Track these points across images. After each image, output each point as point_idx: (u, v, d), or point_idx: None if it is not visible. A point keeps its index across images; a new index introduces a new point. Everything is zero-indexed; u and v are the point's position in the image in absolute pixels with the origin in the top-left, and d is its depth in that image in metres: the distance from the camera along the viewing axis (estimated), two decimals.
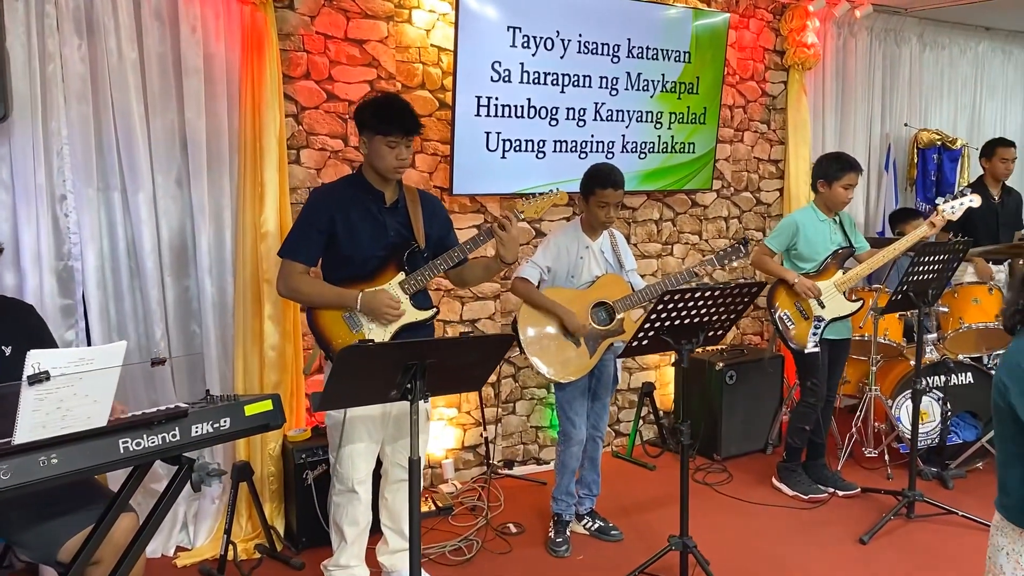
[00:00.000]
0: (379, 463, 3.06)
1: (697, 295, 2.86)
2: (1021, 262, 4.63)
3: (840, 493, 4.11)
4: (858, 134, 5.75)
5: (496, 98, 4.05)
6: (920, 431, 4.01)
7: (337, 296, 2.80)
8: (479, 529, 3.69)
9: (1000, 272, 5.47)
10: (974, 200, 3.79)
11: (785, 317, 3.95)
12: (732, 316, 3.04)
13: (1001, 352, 4.67)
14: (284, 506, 3.69)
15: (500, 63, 4.03)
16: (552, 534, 3.59)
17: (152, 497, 2.90)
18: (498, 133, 4.08)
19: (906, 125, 6.02)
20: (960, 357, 4.54)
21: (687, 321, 2.94)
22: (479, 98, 4.00)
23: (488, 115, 4.04)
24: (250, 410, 2.56)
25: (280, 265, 2.90)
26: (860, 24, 5.56)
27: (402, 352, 2.24)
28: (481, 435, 4.29)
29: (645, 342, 2.96)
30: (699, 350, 4.95)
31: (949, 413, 4.37)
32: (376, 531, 3.12)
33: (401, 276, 2.85)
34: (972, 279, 4.90)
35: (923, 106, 6.16)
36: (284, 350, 3.60)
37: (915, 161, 6.05)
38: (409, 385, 2.27)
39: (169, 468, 2.18)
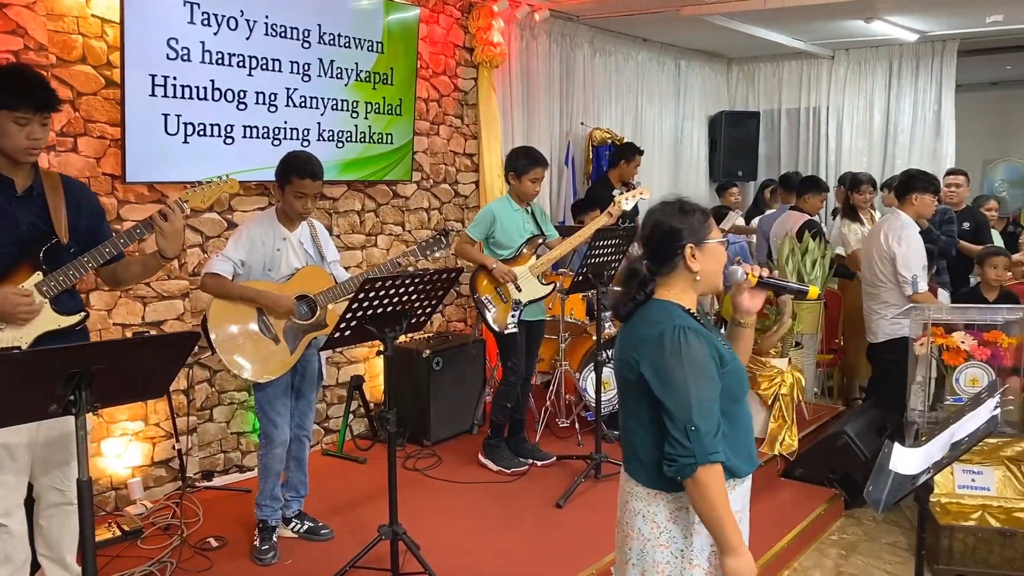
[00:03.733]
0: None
1: (398, 282, 2.86)
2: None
3: (539, 463, 4.40)
4: (542, 131, 6.18)
5: (174, 78, 3.71)
6: (603, 399, 4.42)
7: None
8: (174, 549, 3.37)
9: None
10: (644, 192, 4.27)
11: (486, 301, 4.13)
12: (433, 302, 3.09)
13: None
14: None
15: (177, 40, 3.70)
16: (257, 542, 3.38)
17: None
18: (178, 115, 3.75)
19: (582, 124, 6.61)
20: None
21: (390, 309, 2.94)
22: (154, 77, 3.64)
23: (166, 96, 3.68)
24: None
25: None
26: (540, 27, 5.98)
27: (62, 359, 1.94)
28: (174, 447, 3.92)
29: (348, 333, 2.90)
30: (406, 339, 5.03)
31: None
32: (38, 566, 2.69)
33: (38, 276, 2.43)
34: None
35: (596, 107, 6.80)
36: None
37: (590, 157, 6.67)
38: (73, 397, 1.98)
39: None
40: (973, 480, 3.96)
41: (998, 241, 5.84)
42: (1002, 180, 7.86)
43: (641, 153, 5.93)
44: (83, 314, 2.54)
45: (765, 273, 2.05)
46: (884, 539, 4.07)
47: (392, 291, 2.87)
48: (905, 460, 2.12)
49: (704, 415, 1.84)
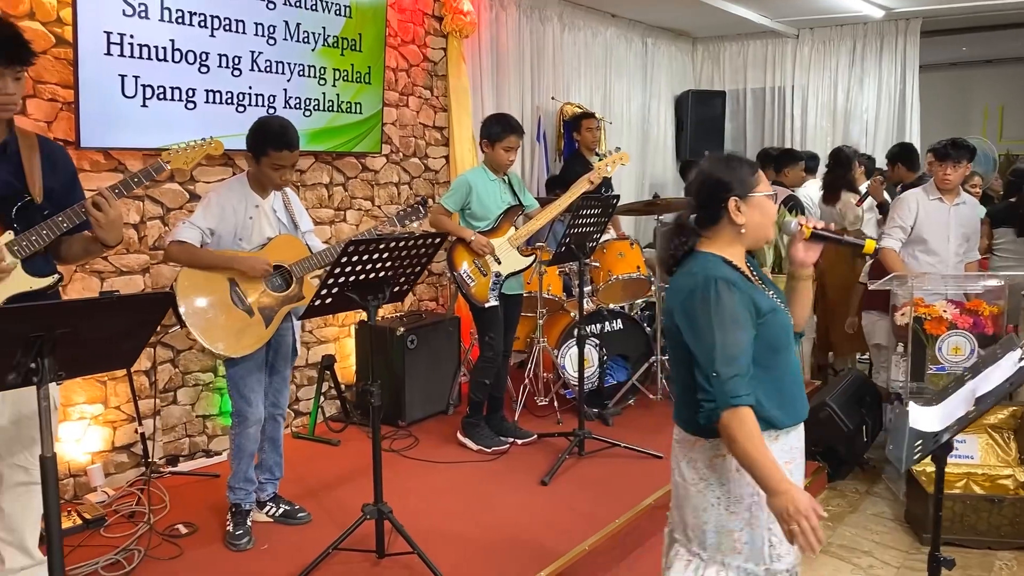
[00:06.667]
0: None
1: (383, 246, 2.70)
2: (657, 218, 5.20)
3: (519, 442, 4.27)
4: (512, 104, 6.02)
5: (131, 36, 3.47)
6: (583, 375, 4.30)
7: None
8: (140, 537, 3.16)
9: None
10: (623, 158, 4.17)
11: (466, 275, 3.98)
12: (417, 268, 2.94)
13: (645, 299, 5.29)
14: None
15: None
16: (231, 527, 3.19)
17: None
18: (136, 77, 3.51)
19: (553, 99, 6.47)
20: (611, 306, 4.99)
21: (372, 276, 2.77)
22: (109, 35, 3.39)
23: (122, 55, 3.44)
24: None
25: None
26: None
27: (22, 321, 1.74)
28: (136, 431, 3.69)
29: (329, 300, 2.73)
30: (377, 316, 4.84)
31: (605, 358, 4.79)
32: None
33: (9, 236, 2.25)
34: (611, 236, 5.42)
35: (566, 82, 6.66)
36: None
37: (561, 132, 6.54)
38: (34, 365, 1.78)
39: None
40: (957, 449, 3.94)
41: None
42: None
43: (590, 116, 5.83)
44: (56, 276, 2.36)
45: (820, 226, 2.05)
46: (869, 510, 4.05)
47: (376, 256, 2.71)
48: (925, 418, 2.05)
49: (727, 363, 1.84)
